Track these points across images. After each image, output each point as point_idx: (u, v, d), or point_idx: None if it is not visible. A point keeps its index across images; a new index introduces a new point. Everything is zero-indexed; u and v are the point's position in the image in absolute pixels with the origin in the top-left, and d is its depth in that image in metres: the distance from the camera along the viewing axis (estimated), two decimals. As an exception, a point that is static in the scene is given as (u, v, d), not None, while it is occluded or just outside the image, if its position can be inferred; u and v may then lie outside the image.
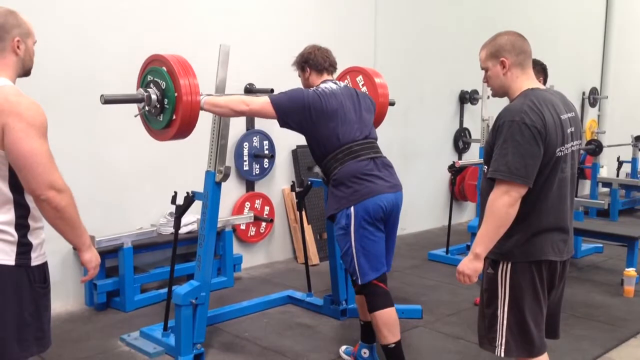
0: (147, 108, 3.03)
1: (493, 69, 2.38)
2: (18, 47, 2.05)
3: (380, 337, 3.11)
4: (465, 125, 7.81)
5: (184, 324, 3.35)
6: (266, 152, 5.53)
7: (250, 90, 5.21)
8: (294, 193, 4.52)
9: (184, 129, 3.01)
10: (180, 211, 3.66)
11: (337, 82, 3.33)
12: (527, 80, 2.37)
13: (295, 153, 5.87)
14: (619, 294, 4.81)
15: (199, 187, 3.53)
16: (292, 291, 4.68)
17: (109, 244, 4.25)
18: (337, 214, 3.12)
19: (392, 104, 4.08)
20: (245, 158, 5.41)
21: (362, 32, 6.42)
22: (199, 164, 3.76)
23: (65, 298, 4.37)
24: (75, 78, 4.30)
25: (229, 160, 4.82)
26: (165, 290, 4.12)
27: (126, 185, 4.69)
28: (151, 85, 3.03)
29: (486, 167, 2.36)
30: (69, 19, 4.27)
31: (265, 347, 3.75)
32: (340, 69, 3.62)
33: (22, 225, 2.00)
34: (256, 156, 5.46)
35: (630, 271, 4.83)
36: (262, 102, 3.07)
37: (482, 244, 2.26)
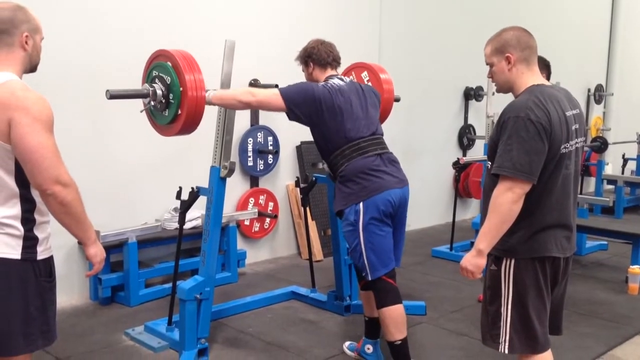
0: (152, 103, 3.04)
1: (498, 64, 2.37)
2: (26, 42, 2.05)
3: (387, 334, 3.12)
4: (469, 121, 7.79)
5: (188, 318, 3.36)
6: (270, 147, 5.53)
7: (254, 85, 5.21)
8: (298, 189, 4.52)
9: (189, 125, 3.02)
10: (185, 206, 3.67)
11: (343, 77, 3.32)
12: (532, 77, 2.36)
13: (300, 149, 5.87)
14: (624, 292, 4.80)
15: (204, 183, 3.53)
16: (296, 287, 4.69)
17: (114, 238, 4.26)
18: (345, 210, 3.12)
19: (397, 99, 4.08)
20: (250, 154, 5.41)
21: (367, 28, 6.41)
22: (204, 160, 3.77)
23: (70, 292, 4.39)
24: (80, 73, 4.31)
25: (234, 156, 4.83)
26: (169, 285, 4.13)
27: (131, 181, 4.70)
28: (156, 80, 3.03)
29: (490, 163, 2.35)
30: (74, 14, 4.27)
31: (269, 343, 3.76)
32: (345, 64, 3.61)
33: (28, 219, 2.01)
34: (260, 152, 5.47)
35: (635, 269, 4.82)
36: (270, 93, 3.06)
37: (486, 240, 2.25)
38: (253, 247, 5.58)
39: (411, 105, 6.72)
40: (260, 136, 5.47)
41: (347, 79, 3.31)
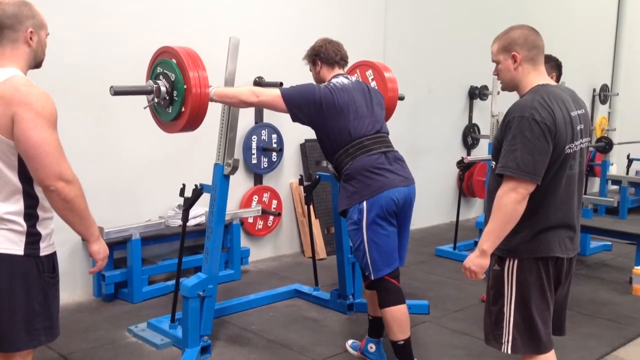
0: (156, 100, 3.04)
1: (504, 62, 2.36)
2: (31, 38, 2.05)
3: (390, 334, 3.11)
4: (474, 121, 7.78)
5: (191, 316, 3.36)
6: (274, 145, 5.53)
7: (259, 83, 5.21)
8: (302, 187, 4.52)
9: (193, 121, 3.02)
10: (189, 203, 3.67)
11: (349, 76, 3.31)
12: (538, 76, 2.35)
13: (304, 147, 5.87)
14: (628, 292, 4.79)
15: (208, 180, 3.53)
16: (299, 285, 4.69)
17: (118, 235, 4.27)
18: (349, 209, 3.11)
19: (402, 98, 4.07)
20: (254, 151, 5.41)
21: (372, 26, 6.39)
22: (208, 157, 3.77)
23: (73, 289, 4.39)
24: (84, 69, 4.31)
25: (238, 153, 4.83)
26: (172, 282, 4.13)
27: (135, 177, 4.70)
28: (160, 77, 3.03)
29: (494, 163, 2.34)
30: (78, 10, 4.28)
31: (271, 340, 3.76)
32: (349, 62, 3.60)
33: (31, 215, 2.01)
34: (264, 149, 5.46)
35: (639, 269, 4.80)
36: (272, 94, 3.06)
37: (489, 240, 2.24)
38: (256, 244, 5.58)
39: (415, 104, 6.71)
40: (264, 134, 5.47)
41: (353, 78, 3.31)
